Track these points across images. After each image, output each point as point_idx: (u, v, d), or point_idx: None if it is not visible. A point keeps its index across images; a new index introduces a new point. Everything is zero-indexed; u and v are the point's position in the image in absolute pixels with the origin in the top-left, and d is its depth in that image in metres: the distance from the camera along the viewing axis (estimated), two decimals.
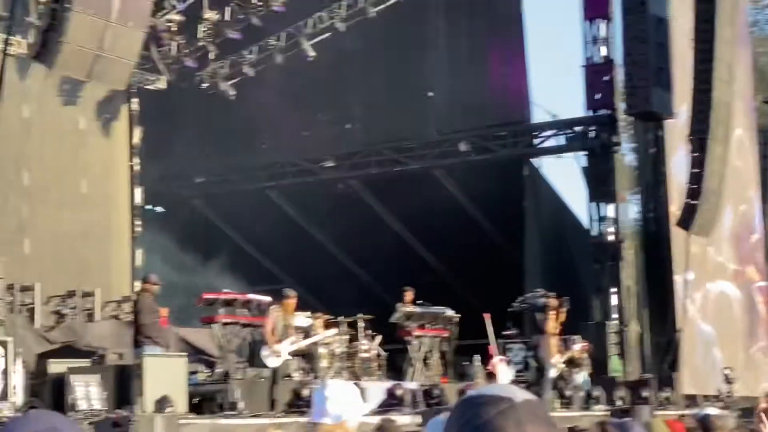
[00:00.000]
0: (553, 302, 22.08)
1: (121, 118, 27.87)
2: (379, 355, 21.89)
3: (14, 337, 16.59)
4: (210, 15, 29.45)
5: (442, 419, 2.74)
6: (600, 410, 21.91)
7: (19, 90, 23.58)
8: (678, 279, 28.89)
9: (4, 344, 14.76)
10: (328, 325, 20.68)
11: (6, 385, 14.47)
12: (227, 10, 29.48)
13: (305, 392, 17.05)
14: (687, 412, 21.39)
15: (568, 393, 22.47)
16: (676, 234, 28.83)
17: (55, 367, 17.01)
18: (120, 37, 21.19)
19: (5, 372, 14.46)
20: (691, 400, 25.80)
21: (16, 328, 19.59)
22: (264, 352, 17.98)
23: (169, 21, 28.70)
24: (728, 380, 27.51)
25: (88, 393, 15.57)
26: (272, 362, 17.93)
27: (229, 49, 30.48)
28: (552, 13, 58.09)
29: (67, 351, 20.25)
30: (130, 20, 21.33)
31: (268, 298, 19.44)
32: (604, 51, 30.24)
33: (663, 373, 27.25)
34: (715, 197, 28.69)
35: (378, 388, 19.30)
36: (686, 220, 28.16)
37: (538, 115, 32.42)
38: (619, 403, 23.29)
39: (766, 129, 36.26)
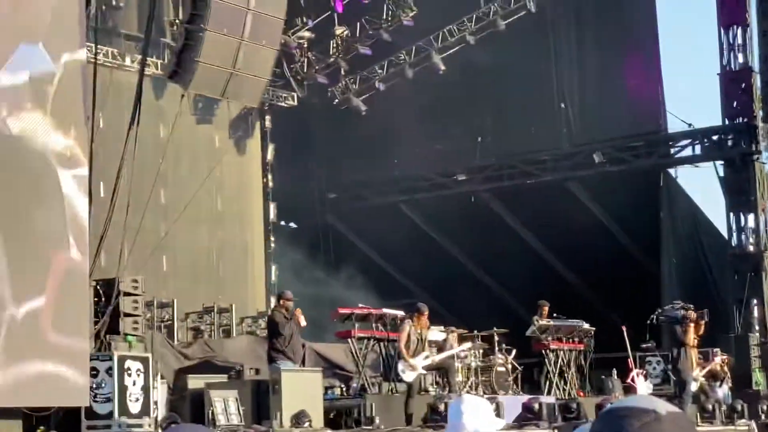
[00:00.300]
0: (692, 314, 21.64)
1: (254, 135, 28.30)
2: (514, 369, 21.71)
3: (154, 353, 16.85)
4: (340, 31, 29.73)
5: (585, 430, 2.63)
6: (743, 424, 21.40)
7: (155, 110, 24.07)
8: None
9: (144, 360, 14.97)
10: (462, 339, 20.59)
11: (147, 401, 14.68)
12: (357, 26, 29.72)
13: (441, 406, 16.98)
14: None
15: (709, 407, 21.99)
16: None
17: (194, 382, 17.23)
18: (253, 54, 21.46)
19: (145, 388, 14.67)
20: None
21: (156, 344, 19.92)
22: (399, 367, 17.97)
23: (300, 38, 29.06)
24: None
25: (227, 408, 15.73)
26: (408, 377, 17.91)
27: (359, 65, 30.70)
28: (686, 21, 56.92)
29: (205, 366, 20.54)
30: (263, 38, 21.59)
31: (401, 313, 19.43)
32: (741, 58, 29.59)
33: None
34: None
35: (514, 402, 19.12)
36: None
37: (673, 125, 31.87)
38: (763, 417, 22.72)
39: None
